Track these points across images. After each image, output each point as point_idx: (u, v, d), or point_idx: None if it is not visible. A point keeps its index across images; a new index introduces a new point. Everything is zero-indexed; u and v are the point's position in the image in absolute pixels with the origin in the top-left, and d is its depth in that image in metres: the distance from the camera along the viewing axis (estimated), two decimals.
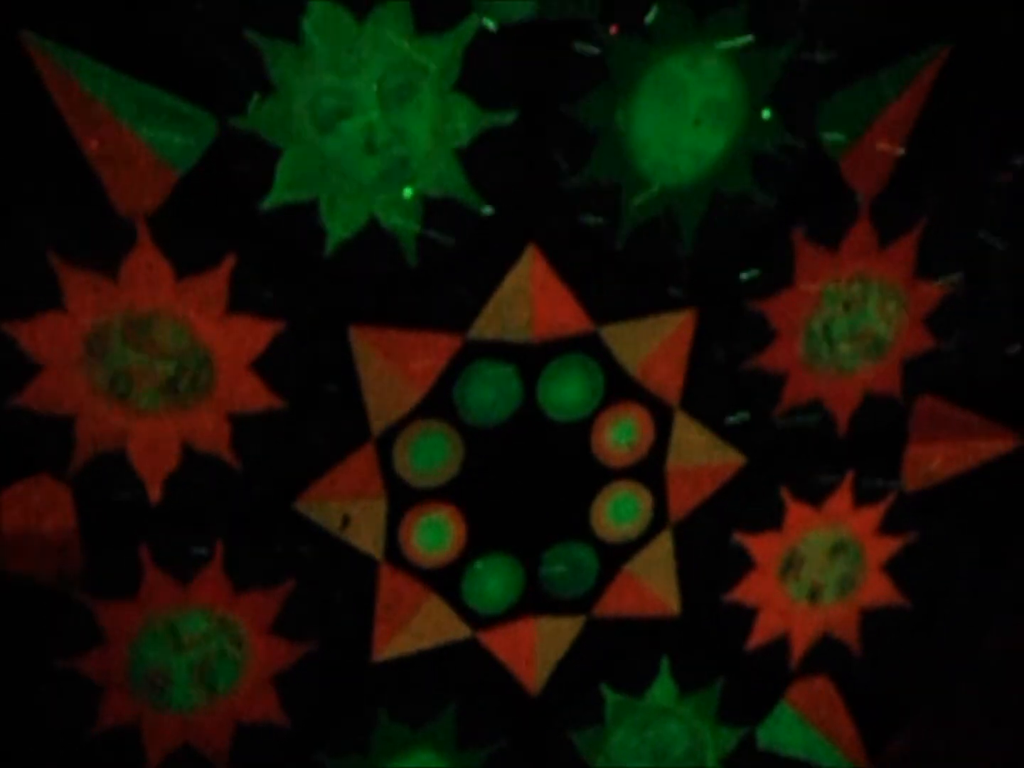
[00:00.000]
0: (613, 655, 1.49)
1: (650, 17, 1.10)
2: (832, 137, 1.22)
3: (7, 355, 1.07)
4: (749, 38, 1.04)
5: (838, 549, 1.53)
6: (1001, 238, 1.35)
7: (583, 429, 1.32)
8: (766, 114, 1.18)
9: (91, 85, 1.00)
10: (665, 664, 1.52)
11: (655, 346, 1.30)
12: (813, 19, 1.16)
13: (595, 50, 1.09)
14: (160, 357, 1.12)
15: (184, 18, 0.99)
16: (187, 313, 1.11)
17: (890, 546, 1.54)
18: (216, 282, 1.10)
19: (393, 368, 1.20)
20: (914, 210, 1.30)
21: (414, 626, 1.35)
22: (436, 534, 1.32)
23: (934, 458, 1.48)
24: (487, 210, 1.14)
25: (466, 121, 1.10)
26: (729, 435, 1.38)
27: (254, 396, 1.17)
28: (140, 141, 1.03)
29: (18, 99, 0.99)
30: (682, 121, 1.17)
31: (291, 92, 1.04)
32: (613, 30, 1.10)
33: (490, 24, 1.05)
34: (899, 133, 1.24)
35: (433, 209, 1.13)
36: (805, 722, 1.62)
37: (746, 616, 1.52)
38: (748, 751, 1.62)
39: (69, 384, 1.10)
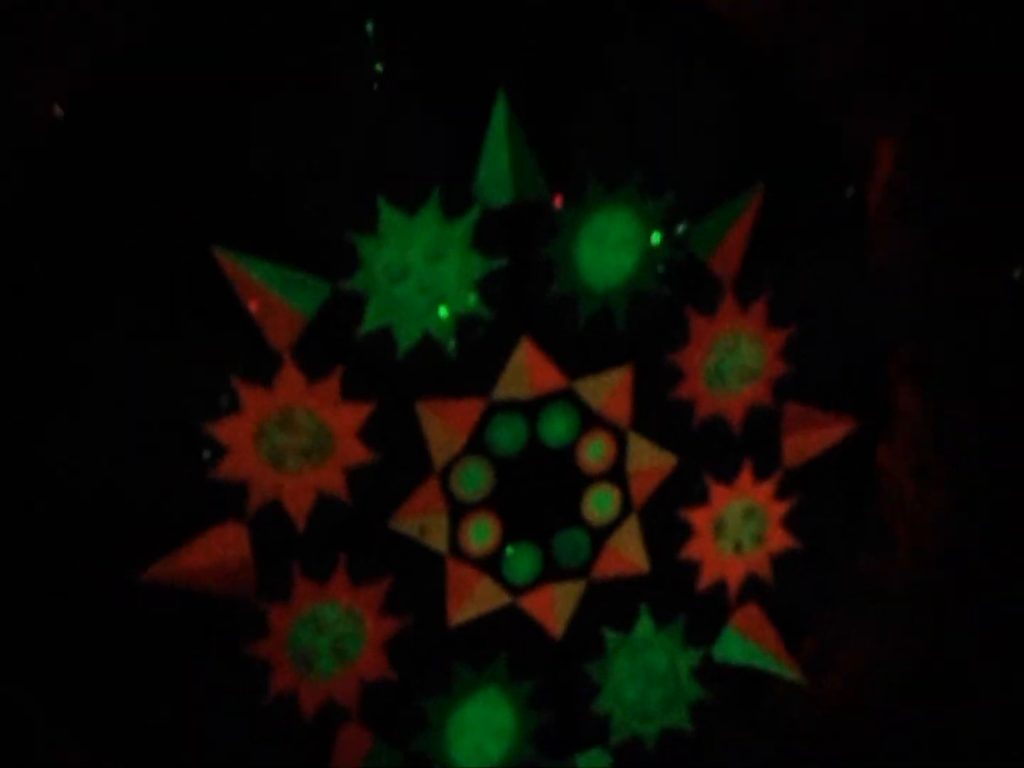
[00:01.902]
0: (608, 606, 2.07)
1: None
2: (700, 247, 1.92)
3: (209, 445, 1.68)
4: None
5: (749, 514, 2.14)
6: (823, 298, 2.06)
7: (570, 451, 1.95)
8: (656, 239, 1.87)
9: (252, 270, 1.63)
10: (644, 609, 2.11)
11: (609, 391, 1.94)
12: (681, 180, 1.87)
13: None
14: (300, 435, 1.75)
15: (305, 225, 1.65)
16: (315, 405, 1.74)
17: (784, 507, 2.17)
18: (333, 383, 1.73)
19: (446, 424, 1.84)
20: (760, 285, 1.99)
21: (474, 599, 1.95)
22: (482, 533, 1.93)
23: (803, 442, 2.14)
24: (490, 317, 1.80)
25: (478, 265, 1.76)
26: (666, 443, 2.04)
27: (359, 454, 1.79)
28: (282, 301, 1.66)
29: (209, 286, 1.63)
30: (608, 250, 1.84)
31: (372, 262, 1.70)
32: (557, 201, 1.79)
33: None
34: (743, 238, 1.94)
35: (462, 322, 1.79)
36: (745, 638, 2.20)
37: (694, 568, 2.12)
38: (708, 664, 2.21)
39: (245, 459, 1.71)
